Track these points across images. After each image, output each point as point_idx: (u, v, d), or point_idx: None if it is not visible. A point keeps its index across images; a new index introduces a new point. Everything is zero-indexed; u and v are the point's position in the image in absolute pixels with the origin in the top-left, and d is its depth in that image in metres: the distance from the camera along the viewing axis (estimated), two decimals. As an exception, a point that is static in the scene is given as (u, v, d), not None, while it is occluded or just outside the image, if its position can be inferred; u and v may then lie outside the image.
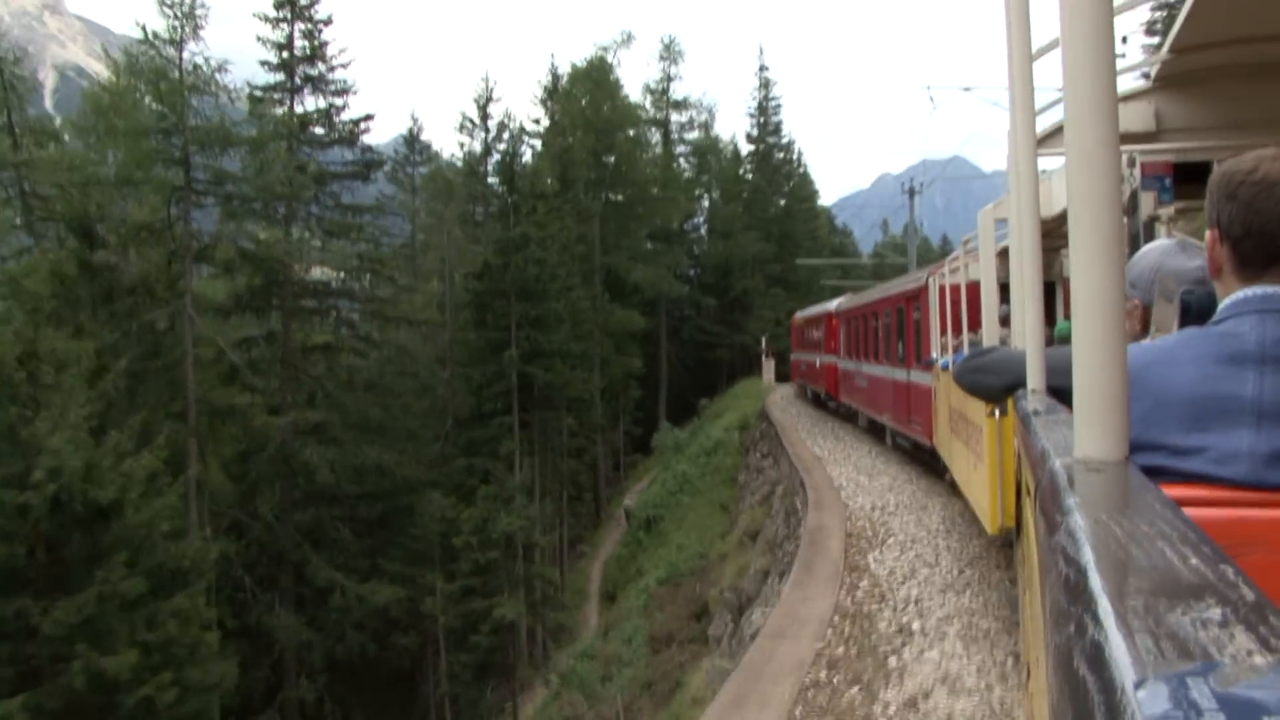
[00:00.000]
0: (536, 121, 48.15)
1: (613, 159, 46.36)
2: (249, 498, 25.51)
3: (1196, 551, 0.67)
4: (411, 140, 43.43)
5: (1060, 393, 1.92)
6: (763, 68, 61.97)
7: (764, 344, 45.11)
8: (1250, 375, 1.32)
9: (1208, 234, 1.52)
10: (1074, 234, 0.99)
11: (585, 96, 46.74)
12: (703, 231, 59.55)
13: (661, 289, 47.01)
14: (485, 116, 40.85)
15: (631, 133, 47.84)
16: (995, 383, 2.41)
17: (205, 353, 23.67)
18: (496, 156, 40.88)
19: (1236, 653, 0.48)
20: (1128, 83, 5.57)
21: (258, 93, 27.44)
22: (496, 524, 24.75)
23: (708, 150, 57.64)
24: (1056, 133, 5.54)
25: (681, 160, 56.84)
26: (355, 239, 28.53)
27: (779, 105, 59.70)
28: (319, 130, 28.63)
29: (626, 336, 45.00)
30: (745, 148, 60.14)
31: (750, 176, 58.84)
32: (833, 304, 25.52)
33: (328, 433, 25.74)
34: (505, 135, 40.71)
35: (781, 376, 40.97)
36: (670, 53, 55.23)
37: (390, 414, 28.69)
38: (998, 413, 6.33)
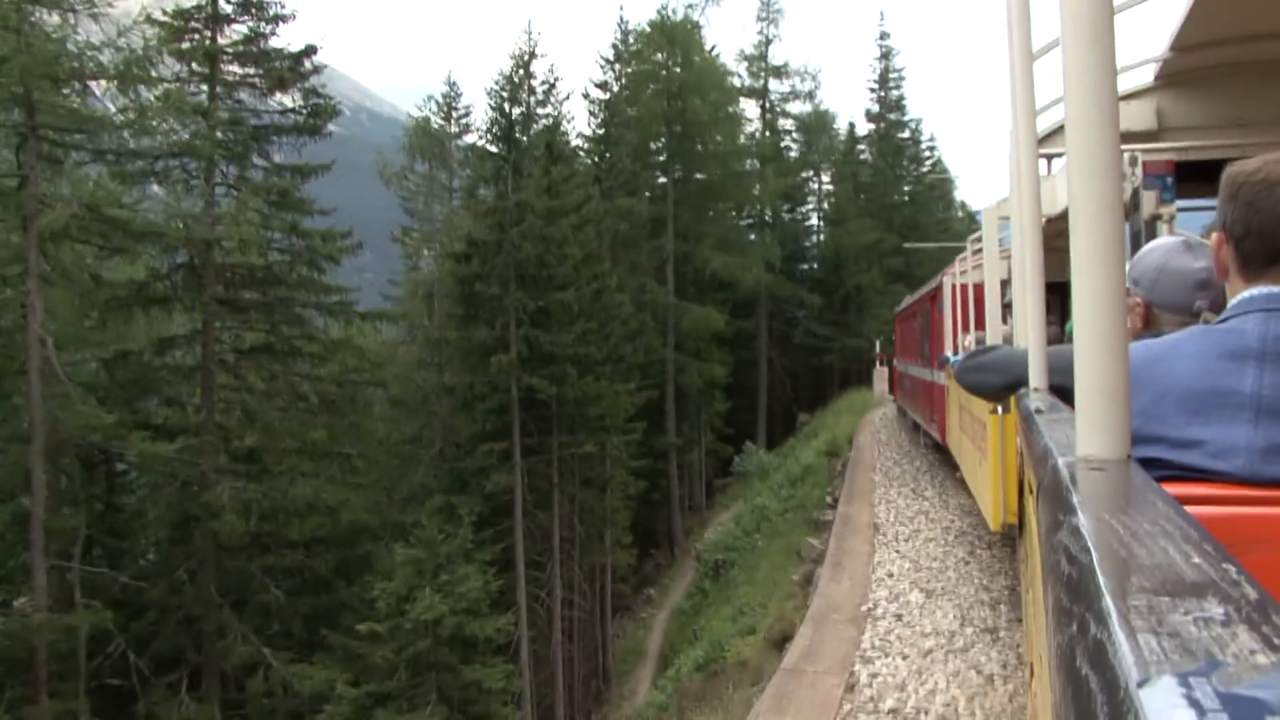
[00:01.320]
0: (601, 87, 39.90)
1: (687, 129, 39.15)
2: (160, 549, 19.87)
3: (1199, 550, 0.67)
4: (448, 106, 31.93)
5: (1062, 391, 1.93)
6: (884, 35, 53.14)
7: (877, 348, 38.86)
8: (1250, 371, 1.35)
9: (1214, 235, 1.54)
10: (1075, 233, 1.00)
11: (661, 54, 38.94)
12: (813, 220, 52.30)
13: (747, 282, 39.75)
14: (528, 76, 32.57)
15: (714, 96, 39.54)
16: (996, 381, 2.41)
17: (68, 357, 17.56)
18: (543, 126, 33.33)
19: (1239, 652, 0.48)
20: (1130, 81, 5.57)
21: (160, 15, 19.14)
22: (418, 604, 16.47)
23: (814, 126, 49.60)
24: (1058, 131, 5.55)
25: (786, 137, 49.53)
26: (302, 212, 20.81)
27: (901, 78, 52.12)
28: (253, 74, 20.82)
29: (710, 340, 38.33)
30: (864, 127, 52.66)
31: (869, 158, 51.60)
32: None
33: (260, 462, 19.31)
34: (551, 99, 33.46)
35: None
36: (769, 11, 47.26)
37: (355, 438, 21.94)
38: (1000, 410, 6.35)
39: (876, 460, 19.78)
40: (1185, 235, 2.48)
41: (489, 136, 27.82)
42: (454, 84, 32.67)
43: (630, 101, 39.08)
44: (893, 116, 51.91)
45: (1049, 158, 5.94)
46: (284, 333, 20.56)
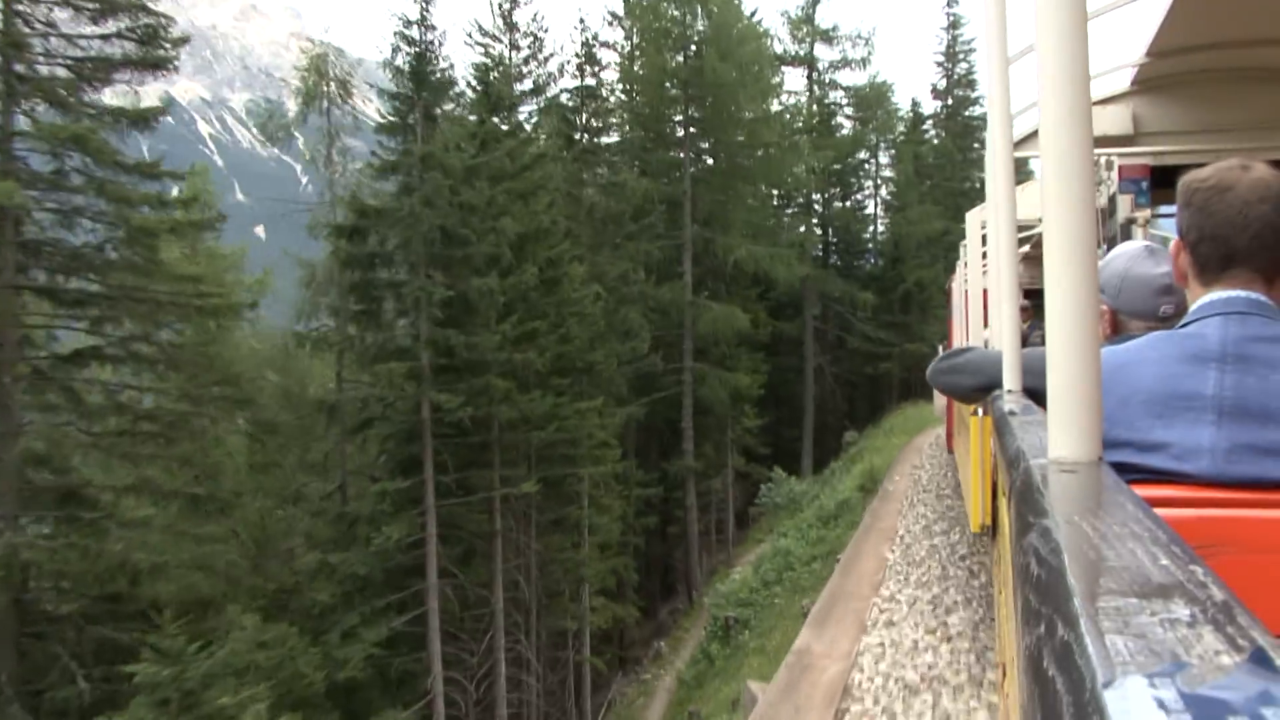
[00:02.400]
0: (611, 47, 33.91)
1: (706, 93, 32.96)
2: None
3: (1167, 552, 0.70)
4: (418, 68, 21.36)
5: (1035, 393, 1.95)
6: (950, 1, 46.37)
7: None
8: (1211, 373, 1.43)
9: (1172, 243, 1.59)
10: (1048, 236, 1.02)
11: (675, 8, 33.13)
12: (870, 207, 46.80)
13: (780, 275, 34.05)
14: (510, 26, 28.72)
15: (740, 53, 32.73)
16: (970, 383, 2.45)
17: None
18: (528, 86, 29.75)
19: (1204, 653, 0.51)
20: (1108, 85, 5.63)
21: None
22: None
23: (869, 98, 43.46)
24: (1035, 135, 5.61)
25: (837, 113, 43.94)
26: (111, 163, 15.15)
27: (971, 49, 46.55)
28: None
29: (737, 344, 33.39)
30: (929, 105, 47.64)
31: (935, 140, 46.37)
32: None
33: (72, 505, 14.62)
34: (538, 56, 29.58)
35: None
36: (816, -35, 40.73)
37: (208, 471, 17.10)
38: (980, 412, 6.43)
39: (902, 518, 14.71)
40: (1148, 241, 2.51)
41: (391, 70, 20.90)
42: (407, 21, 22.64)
43: (640, 57, 33.75)
44: (961, 93, 46.95)
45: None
46: (110, 334, 15.77)
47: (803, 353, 39.05)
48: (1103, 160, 5.71)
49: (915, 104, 47.73)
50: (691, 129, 34.08)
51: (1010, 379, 2.09)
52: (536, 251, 21.61)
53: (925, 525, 13.91)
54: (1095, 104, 5.57)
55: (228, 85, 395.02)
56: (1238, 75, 5.28)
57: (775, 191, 41.25)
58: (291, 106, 24.27)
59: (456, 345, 18.48)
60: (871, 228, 46.85)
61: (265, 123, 26.81)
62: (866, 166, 46.08)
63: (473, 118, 22.39)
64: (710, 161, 35.32)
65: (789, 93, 41.14)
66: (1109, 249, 3.15)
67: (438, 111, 21.22)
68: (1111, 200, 5.61)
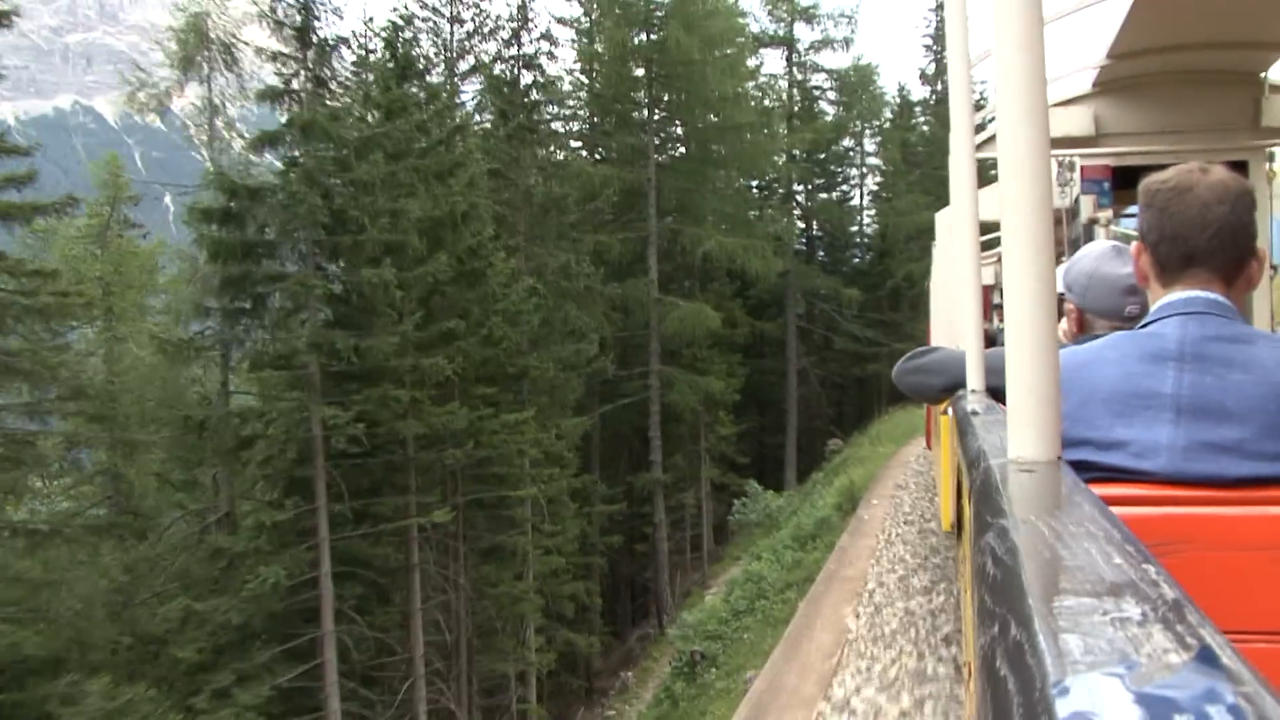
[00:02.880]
0: (569, 23, 31.93)
1: (672, 71, 31.08)
2: None
3: (1121, 551, 0.72)
4: (305, 23, 17.81)
5: (999, 393, 1.97)
6: None
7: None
8: (1170, 372, 1.49)
9: (1134, 245, 1.62)
10: (1006, 237, 1.04)
11: None
12: (855, 198, 44.83)
13: (754, 268, 31.44)
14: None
15: (709, 27, 30.67)
16: (935, 383, 2.48)
17: None
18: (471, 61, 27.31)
19: (1154, 651, 0.54)
20: (1070, 87, 5.72)
21: None
22: None
23: (853, 82, 41.92)
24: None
25: (819, 98, 42.17)
26: None
27: None
28: None
29: (711, 345, 31.09)
30: (918, 92, 45.86)
31: (926, 128, 44.15)
32: None
33: None
34: (480, 29, 27.19)
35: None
36: (794, -62, 41.17)
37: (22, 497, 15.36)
38: (950, 411, 6.46)
39: (875, 563, 11.96)
40: (1114, 241, 2.55)
41: (270, 24, 17.39)
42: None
43: (602, 39, 31.73)
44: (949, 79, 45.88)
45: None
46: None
47: (786, 354, 37.18)
48: (1065, 161, 5.80)
49: (903, 89, 46.12)
50: (658, 111, 32.30)
51: (974, 378, 2.11)
52: (454, 239, 18.84)
53: (902, 576, 10.94)
54: (1057, 105, 5.70)
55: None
56: (1197, 77, 5.42)
57: (754, 182, 39.94)
58: (171, 75, 21.13)
59: (344, 349, 15.40)
60: (858, 220, 44.93)
61: (134, 93, 23.26)
62: (851, 154, 44.13)
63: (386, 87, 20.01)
64: (681, 149, 33.83)
65: (768, 76, 39.48)
66: (1072, 251, 3.19)
67: (329, 75, 18.14)
68: (1077, 201, 5.69)
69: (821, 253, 43.66)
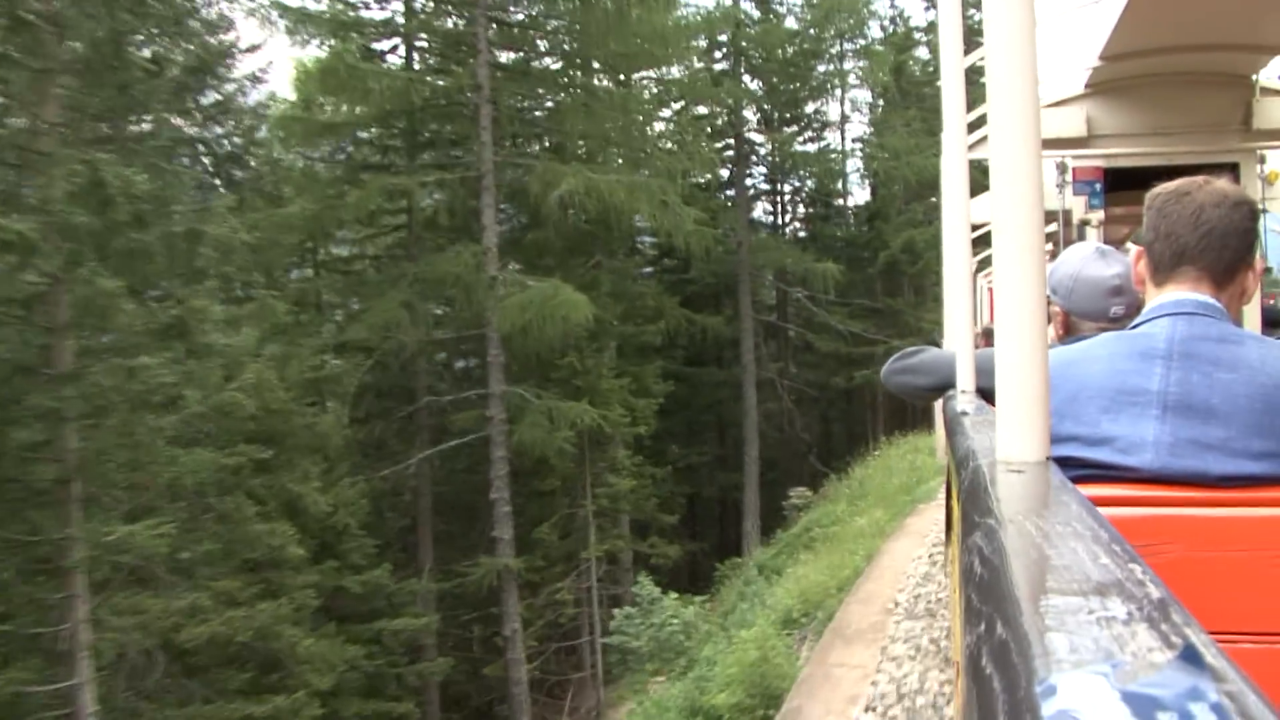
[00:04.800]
0: None
1: None
2: None
3: (1108, 551, 0.73)
4: None
5: (989, 394, 1.98)
6: None
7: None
8: (1157, 370, 1.51)
9: (1134, 250, 1.66)
10: (996, 238, 1.04)
11: None
12: (838, 142, 32.65)
13: (626, 224, 21.31)
14: None
15: None
16: (924, 383, 2.49)
17: None
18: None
19: (1138, 650, 0.54)
20: (1063, 88, 5.74)
21: None
22: None
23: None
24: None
25: (785, 12, 30.02)
26: None
27: None
28: None
29: (596, 348, 20.34)
30: (920, 17, 33.20)
31: (925, 49, 32.55)
32: None
33: None
34: None
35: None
36: None
37: None
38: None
39: None
40: (1098, 243, 2.57)
41: None
42: None
43: None
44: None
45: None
46: None
47: (739, 362, 26.65)
48: (1057, 162, 5.82)
49: (901, 12, 33.77)
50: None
51: (964, 379, 2.11)
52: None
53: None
54: (1049, 106, 5.71)
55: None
56: (1188, 79, 5.45)
57: (673, 105, 26.98)
58: None
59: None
60: (839, 171, 32.29)
61: None
62: (830, 86, 31.48)
63: None
64: (528, 43, 21.56)
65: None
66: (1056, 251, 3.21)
67: None
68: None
69: (793, 220, 32.95)
